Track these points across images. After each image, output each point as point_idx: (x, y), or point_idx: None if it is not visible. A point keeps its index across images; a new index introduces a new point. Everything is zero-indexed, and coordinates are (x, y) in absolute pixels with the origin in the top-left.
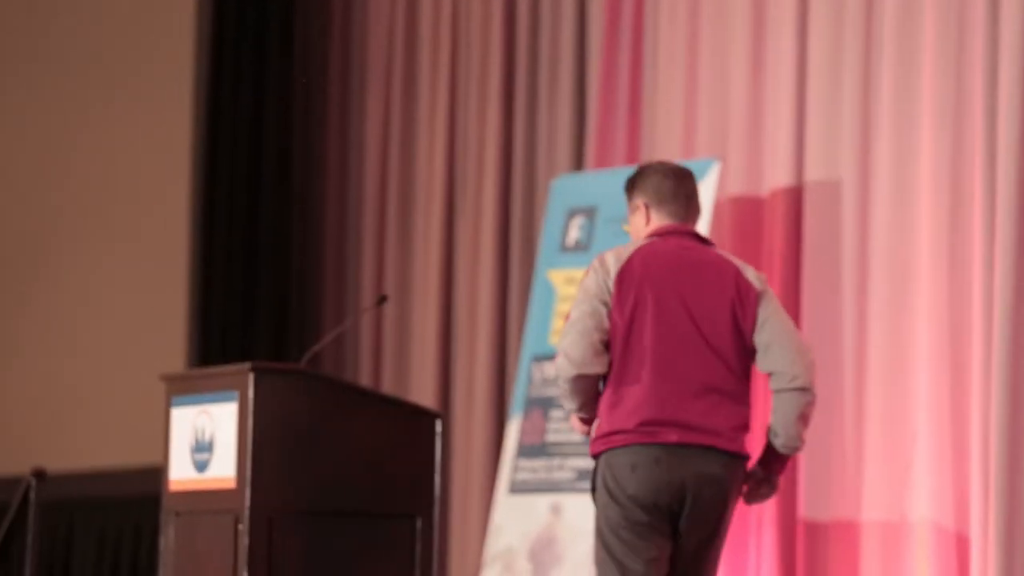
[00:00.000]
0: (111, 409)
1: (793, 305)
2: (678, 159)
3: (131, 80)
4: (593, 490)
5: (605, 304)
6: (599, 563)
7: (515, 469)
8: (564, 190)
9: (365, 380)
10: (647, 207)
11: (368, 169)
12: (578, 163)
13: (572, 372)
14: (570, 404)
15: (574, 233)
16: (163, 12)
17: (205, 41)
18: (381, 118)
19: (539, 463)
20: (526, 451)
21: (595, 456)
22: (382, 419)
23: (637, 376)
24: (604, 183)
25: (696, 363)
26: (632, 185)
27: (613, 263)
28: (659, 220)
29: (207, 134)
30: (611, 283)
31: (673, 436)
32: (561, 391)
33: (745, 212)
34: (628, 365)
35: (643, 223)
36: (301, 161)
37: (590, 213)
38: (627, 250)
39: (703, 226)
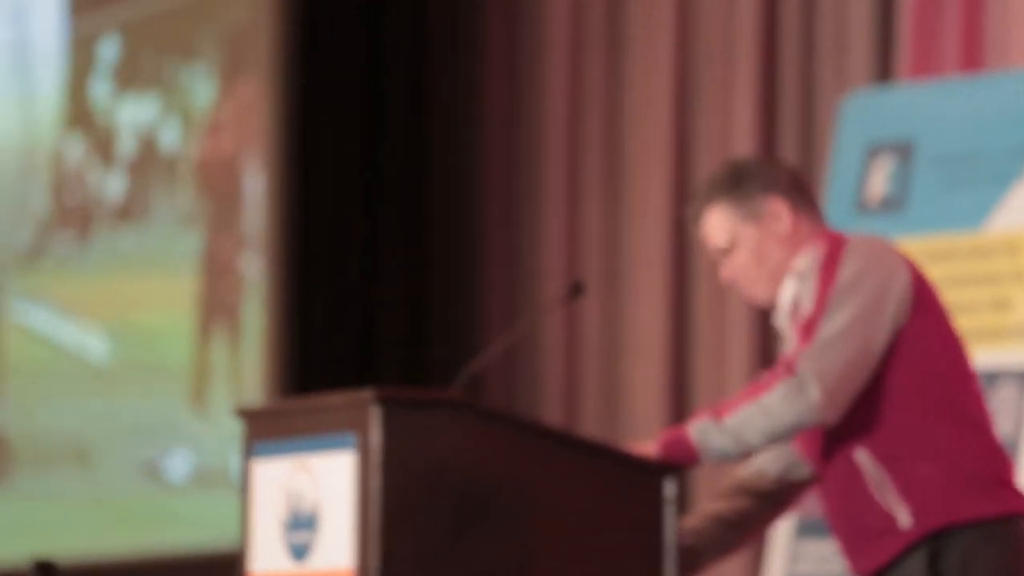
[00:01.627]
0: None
1: None
2: None
3: None
4: None
5: None
6: None
7: (793, 558)
8: (862, 114)
9: (553, 416)
10: (792, 206)
11: (553, 104)
12: (883, 73)
13: None
14: None
15: (879, 183)
16: None
17: None
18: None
19: (826, 546)
20: (810, 527)
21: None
22: (582, 476)
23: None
24: (927, 103)
25: None
26: (760, 179)
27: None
28: (811, 223)
29: (298, 43)
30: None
31: None
32: None
33: None
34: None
35: (785, 228)
36: (444, 89)
37: (905, 151)
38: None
39: None
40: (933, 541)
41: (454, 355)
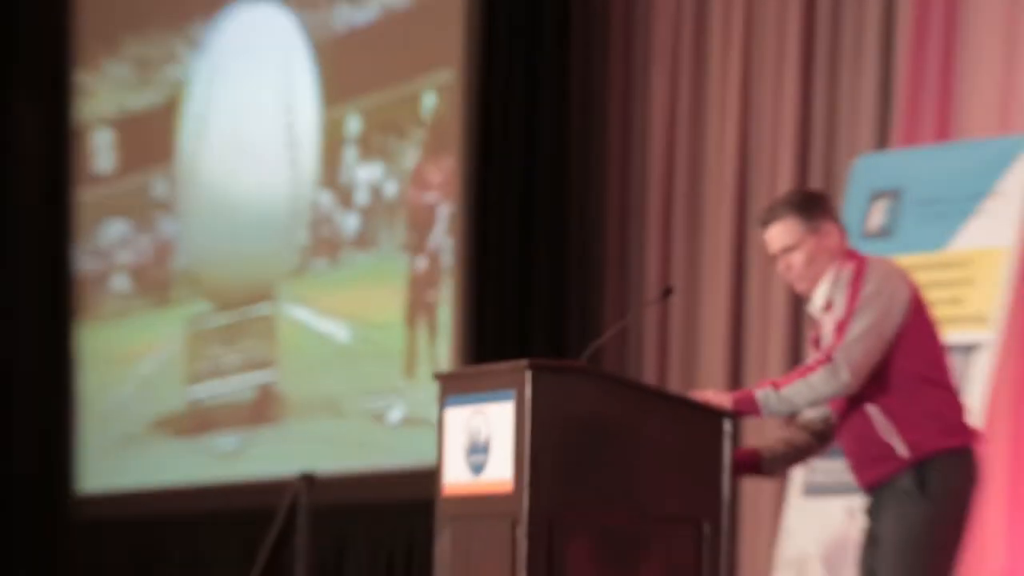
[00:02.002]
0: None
1: None
2: (992, 135)
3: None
4: (956, 490)
5: None
6: (941, 561)
7: (811, 471)
8: (867, 170)
9: (650, 378)
10: (840, 232)
11: (653, 153)
12: (882, 141)
13: None
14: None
15: (877, 217)
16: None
17: (477, 10)
18: (667, 98)
19: (838, 464)
20: (813, 488)
21: (956, 449)
22: (668, 419)
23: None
24: (911, 163)
25: None
26: (823, 208)
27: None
28: (844, 243)
29: (480, 108)
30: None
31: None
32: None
33: None
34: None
35: (834, 245)
36: (579, 148)
37: (895, 195)
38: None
39: (1019, 213)
40: (920, 464)
41: (582, 336)
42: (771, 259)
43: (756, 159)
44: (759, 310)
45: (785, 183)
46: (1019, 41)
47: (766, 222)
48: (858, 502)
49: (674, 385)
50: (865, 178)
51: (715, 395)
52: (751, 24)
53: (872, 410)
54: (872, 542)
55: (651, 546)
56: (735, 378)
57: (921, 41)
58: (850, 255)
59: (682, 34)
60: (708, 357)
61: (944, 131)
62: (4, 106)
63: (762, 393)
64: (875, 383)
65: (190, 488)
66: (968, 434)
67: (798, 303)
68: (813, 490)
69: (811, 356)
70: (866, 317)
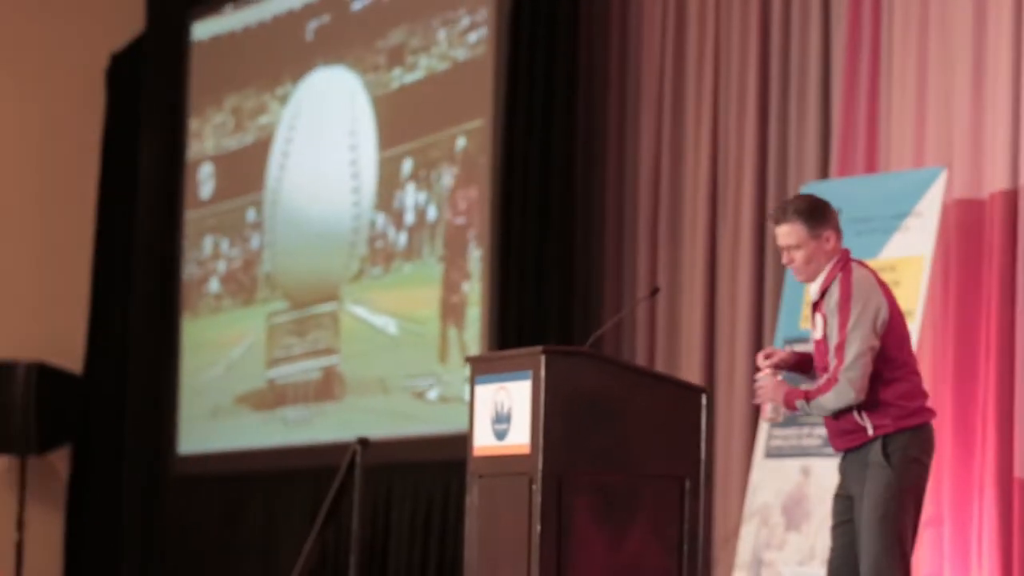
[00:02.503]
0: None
1: (1009, 295)
2: (910, 167)
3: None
4: (913, 459)
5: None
6: (902, 530)
7: (770, 437)
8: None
9: (641, 360)
10: (837, 237)
11: (642, 179)
12: (824, 171)
13: None
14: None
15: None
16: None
17: (502, 73)
18: (653, 136)
19: (791, 431)
20: (773, 451)
21: (912, 428)
22: (655, 394)
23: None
24: (847, 189)
25: None
26: (825, 217)
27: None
28: (839, 244)
29: (504, 148)
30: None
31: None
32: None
33: (967, 215)
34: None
35: (830, 249)
36: (583, 178)
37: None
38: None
39: (933, 229)
40: (885, 437)
41: (586, 326)
42: (735, 261)
43: (723, 184)
44: (728, 305)
45: (747, 204)
46: (929, 93)
47: (777, 220)
48: (810, 463)
49: (660, 366)
50: None
51: (774, 395)
52: (718, 78)
53: None
54: (844, 494)
55: (642, 499)
56: (709, 360)
57: (851, 93)
58: (843, 260)
59: (664, 84)
60: (687, 343)
61: (872, 164)
62: (134, 144)
63: (801, 403)
64: None
65: (267, 450)
66: (925, 413)
67: (760, 299)
68: (773, 453)
69: (816, 330)
70: (857, 340)
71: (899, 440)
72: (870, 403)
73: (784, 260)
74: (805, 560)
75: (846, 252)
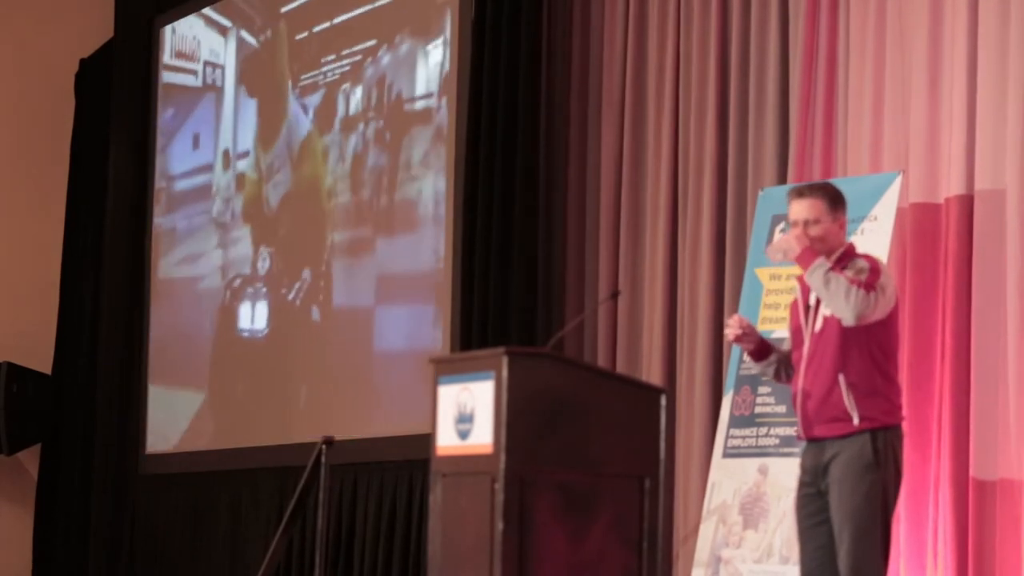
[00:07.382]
0: (389, 386)
1: (965, 299)
2: (866, 172)
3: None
4: (886, 463)
5: None
6: (888, 535)
7: (728, 437)
8: (770, 200)
9: (602, 361)
10: (845, 223)
11: (604, 184)
12: (782, 176)
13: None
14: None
15: (776, 235)
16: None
17: (464, 76)
18: (615, 137)
19: (748, 432)
20: (737, 421)
21: (894, 426)
22: (616, 395)
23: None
24: None
25: None
26: (843, 204)
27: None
28: (845, 240)
29: (467, 151)
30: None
31: None
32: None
33: (923, 219)
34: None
35: (841, 236)
36: (547, 176)
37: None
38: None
39: (888, 233)
40: (871, 432)
41: (548, 328)
42: (695, 265)
43: (683, 188)
44: (688, 307)
45: (708, 209)
46: (885, 98)
47: (801, 194)
48: (768, 462)
49: (621, 368)
50: (768, 206)
51: (788, 243)
52: (678, 84)
53: (842, 380)
54: (814, 491)
55: (603, 498)
56: (670, 361)
57: (808, 101)
58: (851, 250)
59: (626, 89)
60: (648, 345)
61: (828, 170)
62: (104, 147)
63: (821, 261)
64: (852, 361)
65: (234, 450)
66: (901, 412)
67: (720, 301)
68: (731, 453)
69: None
70: (883, 290)
71: (885, 439)
72: (865, 388)
73: (791, 235)
74: (762, 558)
75: (852, 245)
